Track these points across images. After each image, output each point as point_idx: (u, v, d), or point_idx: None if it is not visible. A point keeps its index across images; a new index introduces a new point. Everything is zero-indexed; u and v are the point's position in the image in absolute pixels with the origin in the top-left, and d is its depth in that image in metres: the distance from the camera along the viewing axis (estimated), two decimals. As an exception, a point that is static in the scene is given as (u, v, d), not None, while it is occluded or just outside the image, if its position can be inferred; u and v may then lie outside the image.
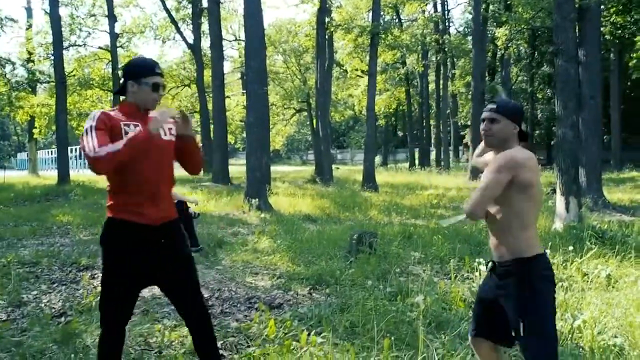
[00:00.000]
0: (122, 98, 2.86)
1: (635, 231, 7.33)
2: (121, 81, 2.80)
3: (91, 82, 26.78)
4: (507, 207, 2.44)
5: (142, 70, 2.73)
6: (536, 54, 33.66)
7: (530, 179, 2.40)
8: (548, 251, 5.92)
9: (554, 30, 8.79)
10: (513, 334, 2.44)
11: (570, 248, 5.78)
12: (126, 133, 2.63)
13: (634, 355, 3.34)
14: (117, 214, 2.72)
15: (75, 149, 36.72)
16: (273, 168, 18.93)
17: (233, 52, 41.62)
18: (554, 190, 14.22)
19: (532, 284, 2.39)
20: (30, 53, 26.01)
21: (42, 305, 4.86)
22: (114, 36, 24.56)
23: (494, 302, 2.54)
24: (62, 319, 4.42)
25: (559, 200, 8.58)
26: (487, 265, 2.60)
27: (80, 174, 27.26)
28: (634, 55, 19.75)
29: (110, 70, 25.23)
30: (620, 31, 18.29)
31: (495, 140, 2.56)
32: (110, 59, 25.22)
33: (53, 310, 4.69)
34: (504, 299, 2.48)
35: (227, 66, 35.48)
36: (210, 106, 22.49)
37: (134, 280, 2.75)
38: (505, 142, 2.55)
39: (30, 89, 26.67)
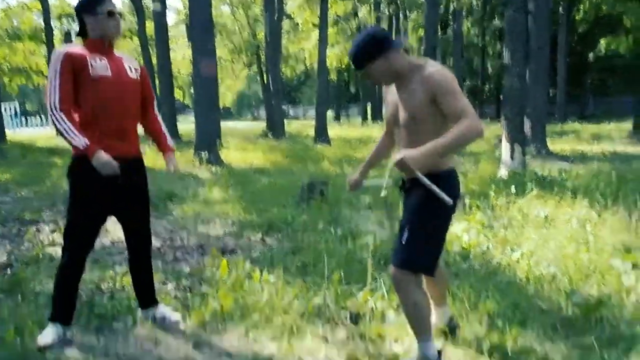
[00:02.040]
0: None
1: (572, 176, 7.71)
2: (77, 23, 2.83)
3: (21, 34, 25.18)
4: (427, 123, 2.31)
5: (93, 1, 2.77)
6: (487, 8, 33.96)
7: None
8: (493, 194, 6.22)
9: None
10: (398, 234, 2.40)
11: (513, 189, 6.04)
12: (92, 67, 2.71)
13: (564, 280, 3.58)
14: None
15: (11, 107, 34.86)
16: (223, 124, 18.64)
17: (176, 3, 40.02)
18: (501, 140, 14.71)
19: (434, 195, 2.26)
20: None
21: None
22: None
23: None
24: (8, 270, 4.31)
25: (505, 148, 8.87)
26: (401, 188, 2.59)
27: (18, 133, 26.01)
28: (582, 8, 20.23)
29: (42, 21, 23.75)
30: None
31: (389, 79, 2.42)
32: (40, 8, 23.73)
33: None
34: (415, 192, 2.38)
35: (171, 18, 34.20)
36: (154, 60, 21.70)
37: (98, 210, 2.85)
38: (392, 75, 2.38)
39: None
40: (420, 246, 2.36)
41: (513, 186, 6.42)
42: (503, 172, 8.54)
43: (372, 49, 2.31)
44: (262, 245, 5.07)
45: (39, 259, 4.59)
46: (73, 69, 2.68)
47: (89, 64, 2.71)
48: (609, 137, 17.76)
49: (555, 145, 14.23)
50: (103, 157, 2.66)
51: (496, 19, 33.62)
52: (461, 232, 4.77)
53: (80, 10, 2.81)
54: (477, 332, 2.80)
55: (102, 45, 2.81)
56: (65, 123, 2.65)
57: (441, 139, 2.17)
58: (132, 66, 2.92)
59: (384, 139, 2.86)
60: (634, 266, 3.75)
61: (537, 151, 11.97)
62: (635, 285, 3.43)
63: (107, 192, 2.81)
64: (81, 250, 2.88)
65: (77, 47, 2.79)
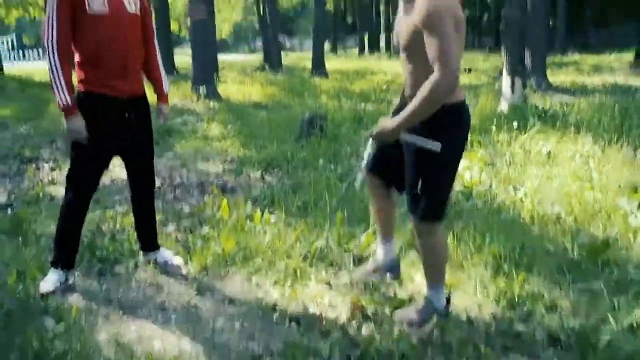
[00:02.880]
0: None
1: (575, 110, 7.58)
2: None
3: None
4: (419, 54, 2.12)
5: None
6: None
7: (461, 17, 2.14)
8: (494, 128, 6.12)
9: None
10: (408, 189, 2.32)
11: (515, 125, 5.94)
12: (88, 3, 2.57)
13: (569, 221, 3.56)
14: (87, 87, 2.69)
15: (8, 41, 34.03)
16: (220, 57, 18.20)
17: None
18: (501, 73, 14.40)
19: (442, 133, 2.15)
20: None
21: None
22: None
23: (397, 145, 2.33)
24: (8, 210, 4.29)
25: (505, 81, 8.68)
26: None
27: (15, 67, 25.53)
28: None
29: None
30: None
31: None
32: None
33: None
34: (407, 146, 2.29)
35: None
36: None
37: (102, 150, 2.79)
38: None
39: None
40: (438, 194, 2.29)
41: (515, 122, 6.31)
42: (504, 106, 8.40)
43: None
44: (262, 183, 5.03)
45: (40, 199, 4.58)
46: (72, 2, 2.55)
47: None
48: (610, 69, 17.40)
49: (555, 77, 13.94)
50: (77, 124, 2.62)
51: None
52: (463, 170, 4.71)
53: None
54: (483, 276, 2.79)
55: None
56: (57, 71, 2.57)
57: (410, 105, 2.09)
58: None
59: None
60: (641, 206, 3.71)
61: (538, 84, 11.73)
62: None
63: (112, 131, 2.76)
64: (85, 192, 2.83)
65: None
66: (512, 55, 8.47)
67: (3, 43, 26.93)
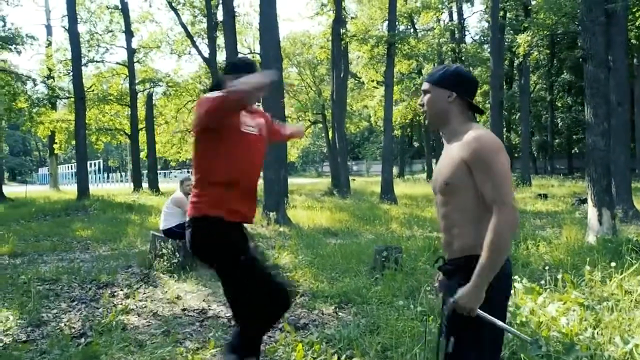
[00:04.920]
0: None
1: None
2: (217, 80, 2.85)
3: (109, 97, 27.02)
4: (458, 195, 2.05)
5: (240, 68, 2.75)
6: (555, 61, 33.22)
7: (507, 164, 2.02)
8: (588, 267, 5.63)
9: (582, 35, 8.49)
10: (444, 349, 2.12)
11: (613, 264, 5.45)
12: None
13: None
14: (210, 210, 2.62)
15: (95, 163, 37.04)
16: (289, 180, 18.75)
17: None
18: (581, 201, 13.85)
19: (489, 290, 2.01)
20: (50, 70, 26.31)
21: (62, 324, 4.71)
22: (131, 51, 24.73)
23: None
24: (82, 339, 4.26)
25: (591, 212, 8.24)
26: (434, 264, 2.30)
27: (100, 188, 27.50)
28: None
29: (127, 85, 25.39)
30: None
31: (429, 115, 2.21)
32: (127, 74, 25.38)
33: (73, 330, 4.53)
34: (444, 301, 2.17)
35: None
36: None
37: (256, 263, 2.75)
38: (442, 115, 2.17)
39: (50, 105, 27.16)
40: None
41: (608, 258, 5.82)
42: (591, 238, 7.89)
43: (448, 77, 2.17)
44: (335, 319, 4.76)
45: (112, 327, 4.53)
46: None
47: (242, 124, 2.74)
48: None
49: (640, 204, 13.24)
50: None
51: (565, 73, 32.77)
52: (557, 314, 4.26)
53: (225, 71, 2.81)
54: None
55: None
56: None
57: (481, 260, 1.95)
58: (257, 124, 2.90)
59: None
60: None
61: (624, 213, 11.12)
62: None
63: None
64: (266, 302, 2.68)
65: None
66: (598, 185, 8.10)
67: (91, 166, 29.17)
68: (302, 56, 31.61)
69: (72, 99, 22.71)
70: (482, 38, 37.08)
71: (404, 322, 4.25)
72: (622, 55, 12.36)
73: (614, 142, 11.41)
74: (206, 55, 24.83)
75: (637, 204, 12.29)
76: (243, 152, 2.67)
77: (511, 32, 25.44)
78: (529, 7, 24.99)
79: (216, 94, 2.52)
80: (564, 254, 6.63)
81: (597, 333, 3.97)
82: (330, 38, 22.05)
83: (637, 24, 16.23)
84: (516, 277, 4.71)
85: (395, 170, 40.77)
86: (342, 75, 21.70)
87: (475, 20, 57.56)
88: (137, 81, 24.77)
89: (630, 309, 4.53)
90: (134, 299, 5.58)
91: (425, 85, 2.21)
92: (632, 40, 18.12)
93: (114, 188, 29.32)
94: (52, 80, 26.20)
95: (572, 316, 4.26)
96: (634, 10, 15.71)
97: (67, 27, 20.19)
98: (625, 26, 13.04)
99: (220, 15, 22.45)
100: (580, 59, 9.78)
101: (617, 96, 11.81)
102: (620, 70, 12.05)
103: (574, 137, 33.53)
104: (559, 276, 5.23)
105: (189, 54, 28.09)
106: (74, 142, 22.57)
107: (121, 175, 41.65)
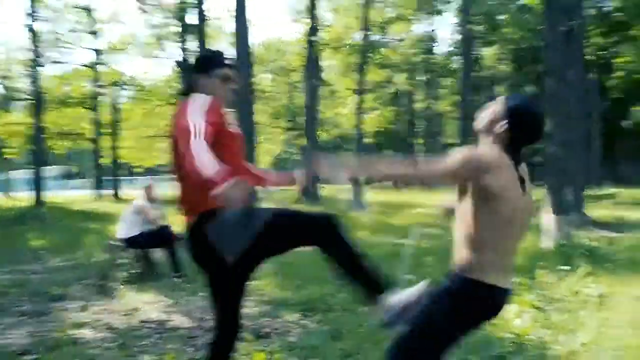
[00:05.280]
0: None
1: (623, 248, 7.33)
2: (185, 81, 2.68)
3: (70, 100, 25.95)
4: (467, 215, 2.11)
5: (210, 62, 2.65)
6: (519, 74, 34.12)
7: (496, 187, 2.02)
8: (540, 271, 5.89)
9: (544, 50, 8.86)
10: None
11: (566, 267, 5.73)
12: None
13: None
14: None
15: (53, 169, 35.87)
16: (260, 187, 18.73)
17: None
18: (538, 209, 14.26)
19: (448, 302, 2.12)
20: (7, 70, 25.50)
21: (8, 341, 4.45)
22: (96, 53, 24.25)
23: None
24: (28, 356, 4.05)
25: (547, 219, 8.57)
26: None
27: (59, 195, 26.60)
28: (613, 76, 20.14)
29: (91, 87, 24.89)
30: (601, 52, 18.61)
31: (480, 124, 2.22)
32: (91, 76, 24.91)
33: (19, 346, 4.27)
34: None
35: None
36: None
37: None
38: (488, 131, 2.18)
39: (3, 107, 26.18)
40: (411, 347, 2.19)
41: (562, 262, 6.11)
42: (547, 244, 8.20)
43: (513, 111, 2.13)
44: (299, 327, 4.75)
45: (61, 343, 4.29)
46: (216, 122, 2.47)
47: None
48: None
49: (593, 211, 13.67)
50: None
51: (528, 85, 33.67)
52: (512, 315, 4.49)
53: (194, 69, 2.68)
54: None
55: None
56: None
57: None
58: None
59: None
60: None
61: (579, 220, 11.51)
62: None
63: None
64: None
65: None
66: (555, 193, 8.45)
67: (48, 172, 28.35)
68: (276, 62, 31.77)
69: (31, 101, 21.80)
70: (453, 49, 37.88)
71: (366, 329, 4.32)
72: (580, 70, 12.79)
73: (571, 153, 11.83)
74: (177, 58, 24.60)
75: (589, 212, 12.70)
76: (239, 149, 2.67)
77: (481, 44, 26.08)
78: (496, 22, 25.77)
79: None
80: (521, 259, 6.88)
81: (548, 334, 4.19)
82: (305, 45, 22.28)
83: (592, 40, 16.92)
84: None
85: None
86: (315, 83, 21.94)
87: (448, 33, 58.64)
88: (101, 84, 24.29)
89: (576, 309, 4.79)
90: (87, 311, 5.34)
91: (499, 106, 2.18)
92: (587, 57, 18.85)
93: (74, 195, 28.38)
94: (8, 80, 25.31)
95: (526, 318, 4.48)
96: (590, 28, 16.37)
97: (27, 25, 19.64)
98: (582, 43, 13.54)
99: (191, 19, 22.42)
100: (542, 73, 10.16)
101: (574, 109, 12.22)
102: (578, 84, 12.47)
103: (536, 146, 34.35)
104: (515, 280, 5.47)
105: (159, 57, 27.75)
106: (30, 147, 21.83)
107: (83, 182, 40.57)
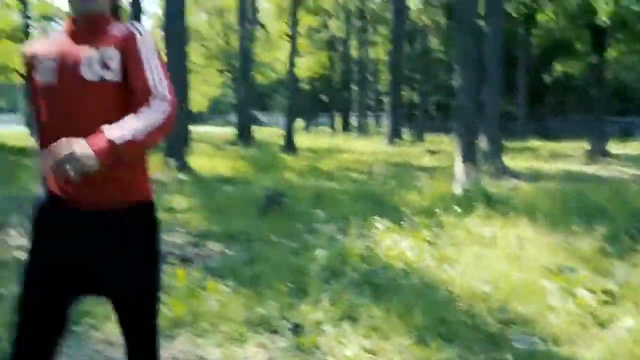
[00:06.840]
0: None
1: (519, 194, 8.16)
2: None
3: (-1, 33, 24.89)
4: None
5: None
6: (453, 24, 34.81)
7: None
8: (438, 211, 6.56)
9: (457, 3, 9.24)
10: None
11: (458, 209, 6.41)
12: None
13: (495, 299, 3.92)
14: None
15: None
16: (195, 129, 18.75)
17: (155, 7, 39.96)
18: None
19: None
20: None
21: None
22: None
23: None
24: None
25: (458, 166, 9.29)
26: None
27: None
28: (536, 31, 20.86)
29: (21, 19, 23.61)
30: (522, 7, 19.23)
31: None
32: (20, 7, 23.55)
33: None
34: None
35: (147, 24, 34.15)
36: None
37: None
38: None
39: None
40: None
41: (457, 205, 6.81)
42: (457, 190, 8.95)
43: None
44: (220, 255, 5.29)
45: (6, 263, 4.53)
46: None
47: None
48: (567, 155, 18.44)
49: (513, 162, 14.71)
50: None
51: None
52: (407, 249, 5.09)
53: None
54: (402, 343, 3.10)
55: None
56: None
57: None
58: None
59: None
60: (563, 288, 4.08)
61: (495, 168, 12.43)
62: (560, 306, 3.76)
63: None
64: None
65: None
66: (464, 141, 9.12)
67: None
68: (212, 2, 30.90)
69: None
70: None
71: (279, 255, 4.90)
72: (498, 23, 13.22)
73: (488, 104, 12.58)
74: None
75: (509, 162, 13.67)
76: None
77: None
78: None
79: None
80: (428, 202, 7.57)
81: (432, 263, 4.83)
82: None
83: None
84: (376, 217, 5.48)
85: (302, 123, 41.51)
86: (249, 26, 21.69)
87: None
88: (31, 15, 23.09)
89: (466, 245, 5.47)
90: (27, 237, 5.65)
91: None
92: (509, 11, 19.23)
93: (6, 131, 27.36)
94: None
95: (417, 251, 5.10)
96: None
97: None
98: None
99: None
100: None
101: (493, 61, 12.86)
102: (496, 37, 13.01)
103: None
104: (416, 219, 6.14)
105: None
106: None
107: (13, 117, 38.82)
